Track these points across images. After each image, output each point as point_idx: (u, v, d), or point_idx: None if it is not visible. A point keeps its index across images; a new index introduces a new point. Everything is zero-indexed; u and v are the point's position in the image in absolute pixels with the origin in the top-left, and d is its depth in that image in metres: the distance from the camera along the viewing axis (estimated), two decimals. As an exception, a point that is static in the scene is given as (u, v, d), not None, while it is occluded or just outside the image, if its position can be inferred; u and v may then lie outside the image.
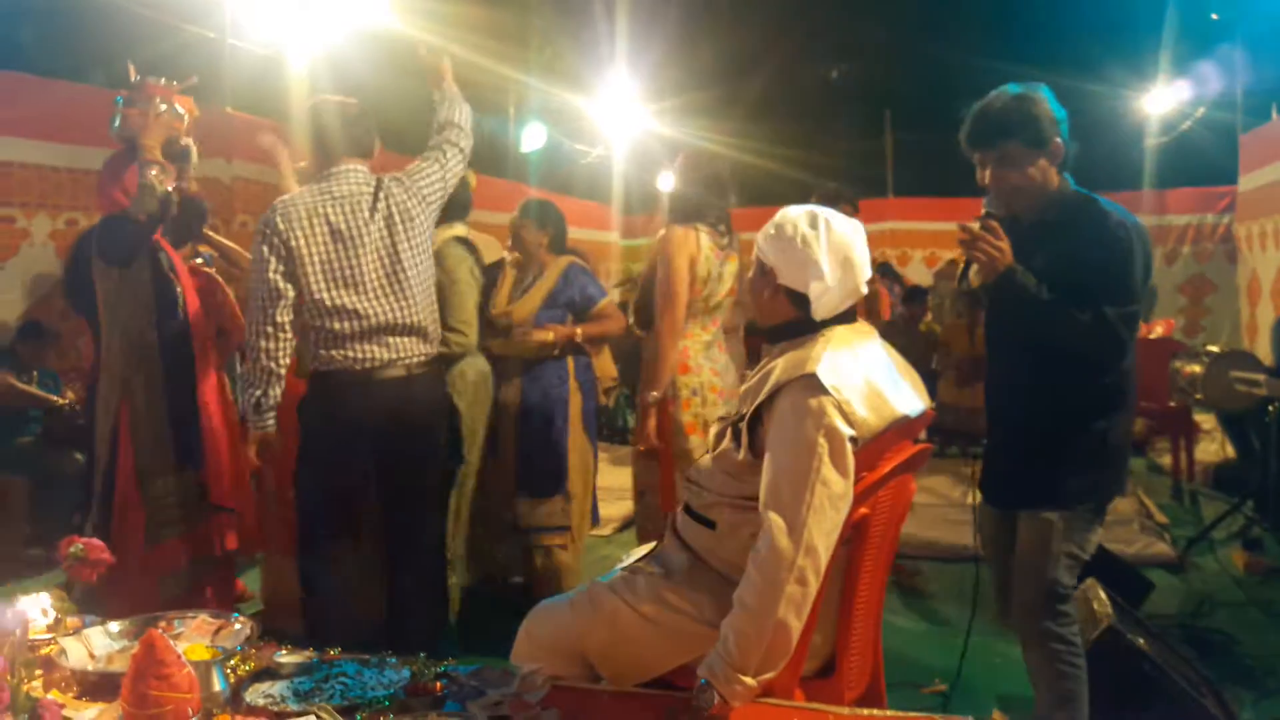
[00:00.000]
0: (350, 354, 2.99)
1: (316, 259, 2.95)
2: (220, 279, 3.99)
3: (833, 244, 1.95)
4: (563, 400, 3.96)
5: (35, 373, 4.95)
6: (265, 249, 2.94)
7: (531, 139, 10.83)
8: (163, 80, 3.26)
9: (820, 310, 1.97)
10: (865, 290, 2.04)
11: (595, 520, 4.31)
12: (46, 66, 5.74)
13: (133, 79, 3.22)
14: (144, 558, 3.20)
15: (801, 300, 1.98)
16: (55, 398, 4.95)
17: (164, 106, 3.21)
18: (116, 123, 3.25)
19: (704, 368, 3.56)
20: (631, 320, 3.97)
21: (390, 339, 3.01)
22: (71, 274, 3.50)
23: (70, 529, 3.20)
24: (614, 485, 5.74)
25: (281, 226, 2.93)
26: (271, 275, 2.92)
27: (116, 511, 3.20)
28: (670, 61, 12.55)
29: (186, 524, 3.33)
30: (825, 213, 2.00)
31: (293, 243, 2.93)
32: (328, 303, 2.95)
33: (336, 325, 2.97)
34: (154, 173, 3.08)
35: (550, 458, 3.92)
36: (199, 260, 3.86)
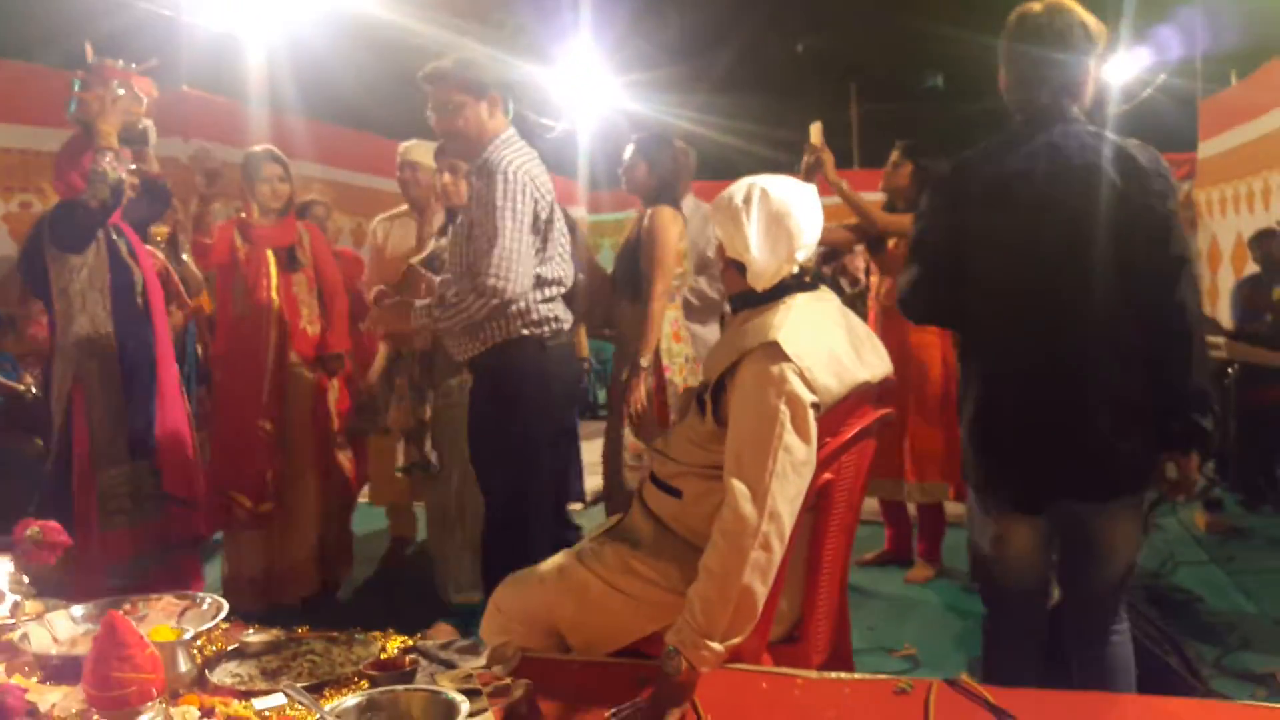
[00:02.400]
0: (558, 318, 2.95)
1: (544, 222, 2.90)
2: (165, 260, 3.97)
3: (765, 214, 1.97)
4: None
5: None
6: (529, 202, 2.80)
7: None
8: (120, 62, 3.19)
9: (756, 280, 1.99)
10: (801, 257, 2.00)
11: (580, 495, 4.39)
12: (-2, 45, 5.62)
13: (89, 59, 3.15)
14: (94, 546, 3.16)
15: (745, 270, 2.00)
16: (13, 384, 4.87)
17: (121, 90, 3.14)
18: (73, 106, 3.17)
19: (688, 339, 3.86)
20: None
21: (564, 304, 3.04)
22: (28, 257, 3.43)
23: (29, 513, 3.16)
24: (585, 460, 5.75)
25: (533, 189, 2.83)
26: (528, 234, 2.80)
27: (73, 501, 3.15)
28: (635, 34, 12.48)
29: (138, 513, 3.26)
30: (765, 181, 2.01)
31: (538, 207, 2.85)
32: (542, 274, 2.91)
33: (549, 291, 2.93)
34: (107, 160, 3.02)
35: None
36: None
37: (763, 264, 1.98)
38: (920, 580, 4.08)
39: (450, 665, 1.87)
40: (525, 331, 2.87)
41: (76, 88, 3.15)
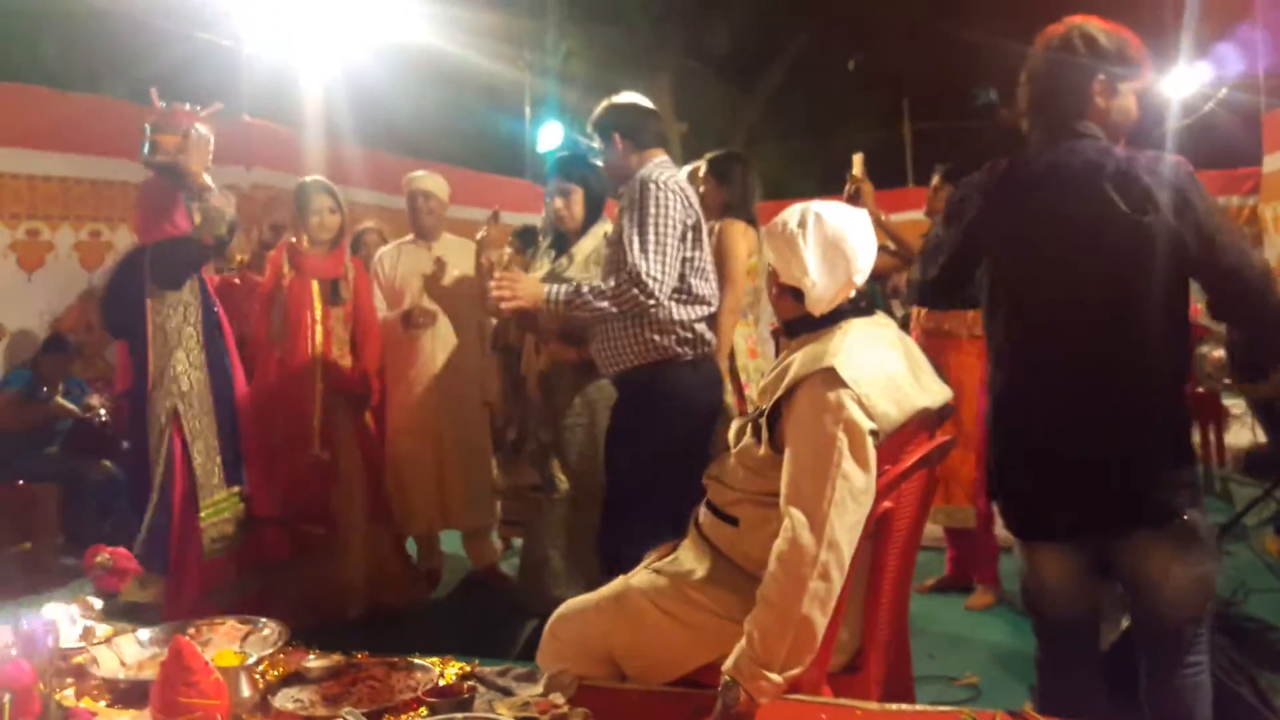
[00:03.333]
0: (706, 338, 3.09)
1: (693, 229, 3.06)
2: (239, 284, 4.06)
3: (821, 239, 1.97)
4: None
5: (60, 384, 5.02)
6: (679, 210, 2.97)
7: (548, 139, 10.86)
8: (189, 105, 3.31)
9: (815, 305, 1.99)
10: (859, 281, 2.00)
11: None
12: (62, 78, 5.82)
13: (157, 104, 3.26)
14: (200, 573, 3.31)
15: (801, 296, 2.00)
16: (79, 410, 5.00)
17: (196, 132, 3.27)
18: (146, 149, 3.29)
19: (766, 356, 3.95)
20: None
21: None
22: (113, 296, 3.57)
23: (100, 537, 3.28)
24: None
25: (684, 198, 3.01)
26: (677, 240, 2.96)
27: (175, 532, 3.30)
28: (687, 52, 12.51)
29: (235, 539, 3.43)
30: (819, 207, 2.01)
31: (687, 215, 3.02)
32: (696, 288, 3.05)
33: (700, 310, 3.05)
34: (215, 200, 3.18)
35: None
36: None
37: (821, 289, 1.97)
38: (980, 607, 4.00)
39: (508, 692, 1.87)
40: (679, 350, 2.99)
41: (149, 131, 3.26)
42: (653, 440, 2.94)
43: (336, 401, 3.99)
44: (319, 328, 3.94)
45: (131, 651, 2.02)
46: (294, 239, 4.06)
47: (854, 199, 3.78)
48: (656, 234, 2.89)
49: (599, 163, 3.37)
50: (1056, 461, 2.06)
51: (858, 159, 3.92)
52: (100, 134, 5.30)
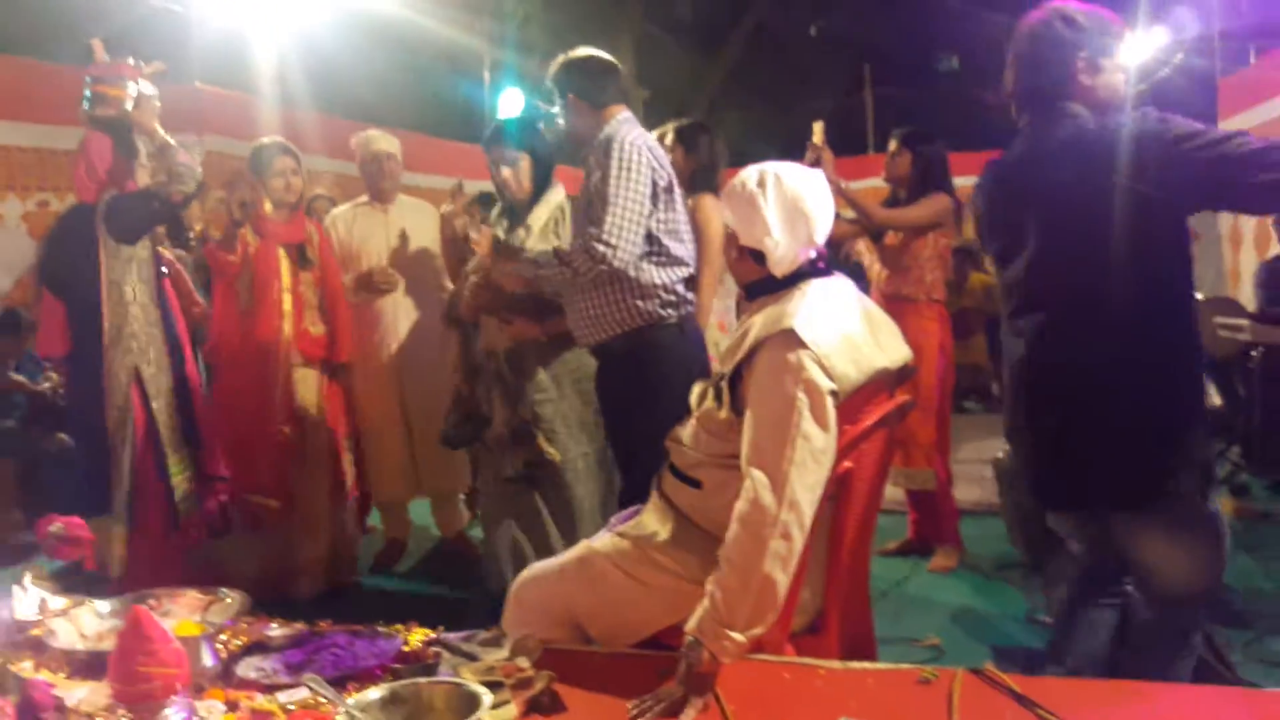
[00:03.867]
0: (688, 299, 3.03)
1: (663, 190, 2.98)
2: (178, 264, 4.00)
3: (781, 198, 1.96)
4: None
5: (13, 362, 4.91)
6: (646, 171, 2.86)
7: (508, 105, 10.73)
8: (133, 60, 3.22)
9: (777, 266, 1.99)
10: (819, 241, 2.01)
11: None
12: (7, 43, 5.64)
13: (100, 58, 3.17)
14: (168, 537, 3.27)
15: (762, 258, 1.99)
16: (35, 385, 4.91)
17: (142, 88, 3.19)
18: (86, 104, 3.20)
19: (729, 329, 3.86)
20: None
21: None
22: (54, 254, 3.48)
23: (57, 509, 3.22)
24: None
25: (650, 158, 2.92)
26: (644, 204, 2.87)
27: (138, 494, 3.24)
28: (647, 18, 12.39)
29: (200, 499, 3.39)
30: (776, 167, 2.01)
31: (656, 175, 2.92)
32: (672, 249, 2.97)
33: (680, 271, 2.99)
34: (182, 156, 3.12)
35: None
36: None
37: (784, 249, 1.97)
38: (942, 569, 4.06)
39: (473, 658, 1.87)
40: (663, 313, 2.94)
41: (90, 83, 3.17)
42: (649, 406, 2.85)
43: (306, 375, 3.90)
44: (289, 296, 3.83)
45: (90, 623, 1.99)
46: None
47: (815, 166, 3.77)
48: (619, 202, 2.81)
49: (552, 126, 3.29)
50: (1073, 435, 2.14)
51: (818, 127, 3.90)
52: (45, 100, 5.15)
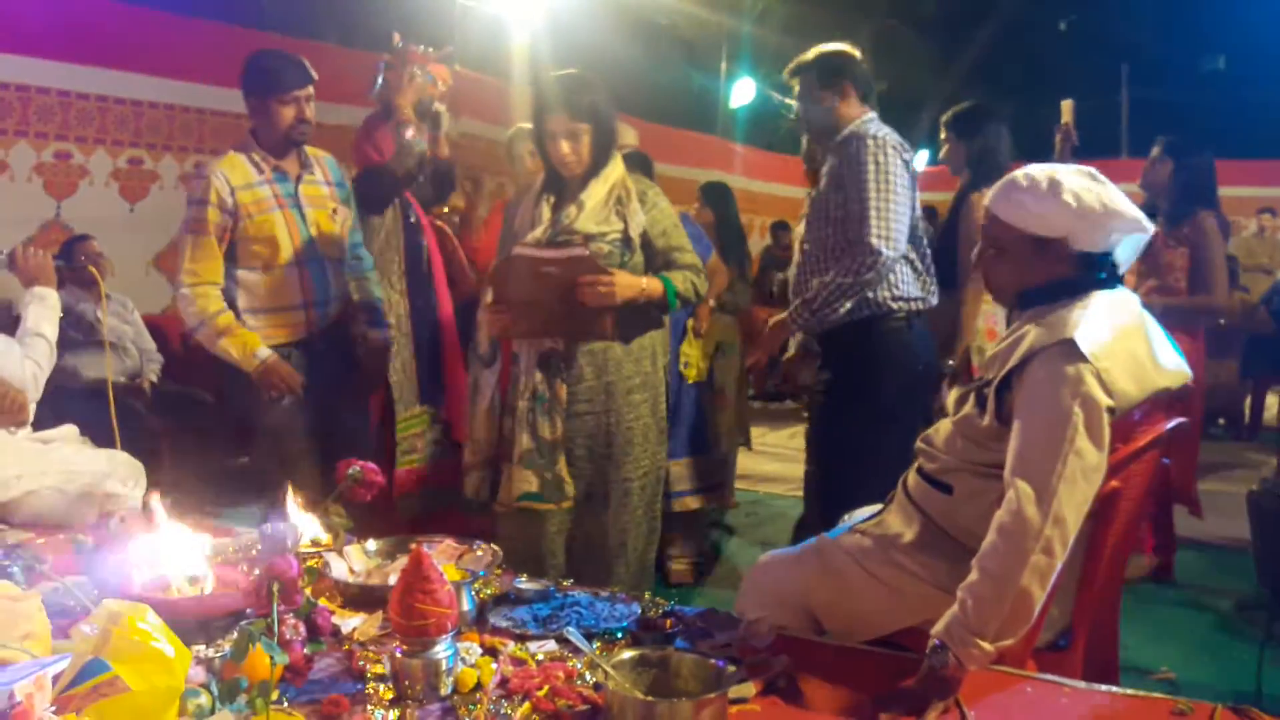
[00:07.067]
0: (921, 296, 3.04)
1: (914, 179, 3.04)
2: (450, 232, 4.22)
3: (1076, 190, 1.83)
4: None
5: None
6: (899, 164, 2.90)
7: (741, 95, 10.75)
8: (421, 47, 3.47)
9: (1079, 261, 1.87)
10: (1115, 244, 1.89)
11: None
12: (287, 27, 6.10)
13: (395, 44, 3.44)
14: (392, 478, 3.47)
15: (1090, 261, 1.87)
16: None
17: (419, 72, 3.42)
18: (377, 86, 3.49)
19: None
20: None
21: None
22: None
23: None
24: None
25: (902, 151, 2.97)
26: (904, 195, 2.91)
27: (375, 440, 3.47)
28: (889, 13, 12.11)
29: (427, 455, 3.59)
30: (1056, 166, 1.91)
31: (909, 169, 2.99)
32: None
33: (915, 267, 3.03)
34: (410, 133, 3.31)
35: None
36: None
37: (1085, 244, 1.85)
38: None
39: (708, 634, 1.91)
40: (894, 305, 2.92)
41: (382, 69, 3.45)
42: (869, 401, 2.87)
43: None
44: None
45: (359, 561, 2.18)
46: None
47: (1064, 147, 3.59)
48: (879, 196, 2.80)
49: (789, 114, 3.29)
50: None
51: (1066, 105, 3.70)
52: (346, 84, 5.52)
